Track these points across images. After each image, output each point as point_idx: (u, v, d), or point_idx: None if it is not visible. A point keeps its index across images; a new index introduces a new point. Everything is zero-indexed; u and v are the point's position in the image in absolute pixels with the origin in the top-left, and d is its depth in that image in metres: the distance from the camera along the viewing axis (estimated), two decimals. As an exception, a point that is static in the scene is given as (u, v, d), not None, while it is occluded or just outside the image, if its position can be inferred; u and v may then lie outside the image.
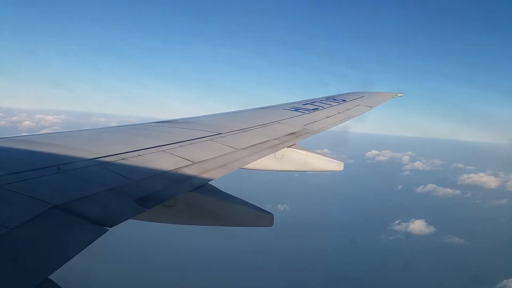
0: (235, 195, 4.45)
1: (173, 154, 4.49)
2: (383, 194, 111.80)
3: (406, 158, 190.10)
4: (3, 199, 2.77)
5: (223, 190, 4.34)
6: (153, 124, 6.36)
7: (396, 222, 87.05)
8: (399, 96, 12.64)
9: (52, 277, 2.16)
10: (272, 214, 4.41)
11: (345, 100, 10.93)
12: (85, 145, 4.36)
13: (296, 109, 9.00)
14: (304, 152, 6.46)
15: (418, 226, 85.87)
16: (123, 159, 4.04)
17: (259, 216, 4.41)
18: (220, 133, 5.85)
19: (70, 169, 3.50)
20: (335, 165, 6.70)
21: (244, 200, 4.43)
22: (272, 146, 5.98)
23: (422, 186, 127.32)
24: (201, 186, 4.03)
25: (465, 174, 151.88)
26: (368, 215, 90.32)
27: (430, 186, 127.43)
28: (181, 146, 4.88)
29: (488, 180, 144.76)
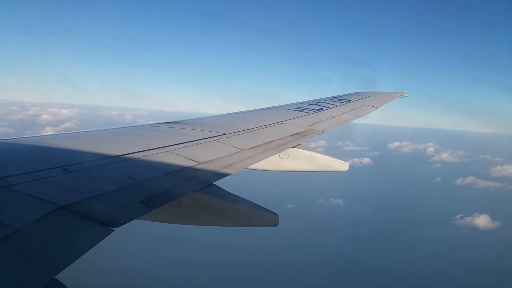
0: (240, 196, 4.45)
1: (178, 154, 4.50)
2: (424, 186, 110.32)
3: (430, 149, 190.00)
4: (10, 199, 2.79)
5: (228, 191, 4.33)
6: (158, 124, 6.38)
7: (458, 216, 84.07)
8: (404, 96, 12.62)
9: (58, 277, 2.17)
10: (277, 214, 4.39)
11: (350, 100, 10.91)
12: (91, 146, 4.38)
13: (301, 110, 8.99)
14: (309, 152, 6.45)
15: (483, 221, 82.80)
16: (129, 159, 4.05)
17: (264, 217, 4.40)
18: (225, 134, 5.85)
19: (76, 170, 3.51)
20: (341, 165, 6.68)
21: (249, 201, 4.43)
22: (277, 146, 5.96)
23: (461, 179, 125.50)
24: (206, 187, 4.03)
25: (498, 166, 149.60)
26: (422, 209, 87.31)
27: (470, 179, 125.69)
28: (186, 146, 4.88)
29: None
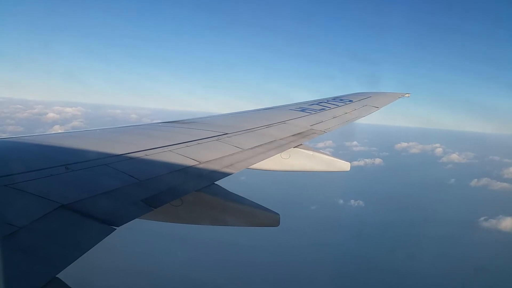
0: (241, 195, 4.45)
1: (180, 154, 4.50)
2: (440, 188, 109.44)
3: (439, 150, 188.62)
4: (12, 198, 2.80)
5: (229, 190, 4.34)
6: (160, 124, 6.39)
7: (482, 218, 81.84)
8: (406, 96, 12.60)
9: (59, 276, 2.17)
10: (279, 214, 4.39)
11: (352, 101, 10.91)
12: (93, 145, 4.39)
13: (303, 110, 8.99)
14: (310, 153, 6.45)
15: (510, 223, 79.91)
16: (131, 158, 4.06)
17: (265, 216, 4.41)
18: (227, 133, 5.86)
19: (77, 169, 3.52)
20: (342, 165, 6.69)
21: (250, 200, 4.43)
22: (279, 146, 5.97)
23: (476, 180, 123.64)
24: (208, 186, 4.04)
25: (510, 168, 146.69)
26: (443, 211, 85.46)
27: (485, 180, 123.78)
28: (187, 146, 4.89)
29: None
